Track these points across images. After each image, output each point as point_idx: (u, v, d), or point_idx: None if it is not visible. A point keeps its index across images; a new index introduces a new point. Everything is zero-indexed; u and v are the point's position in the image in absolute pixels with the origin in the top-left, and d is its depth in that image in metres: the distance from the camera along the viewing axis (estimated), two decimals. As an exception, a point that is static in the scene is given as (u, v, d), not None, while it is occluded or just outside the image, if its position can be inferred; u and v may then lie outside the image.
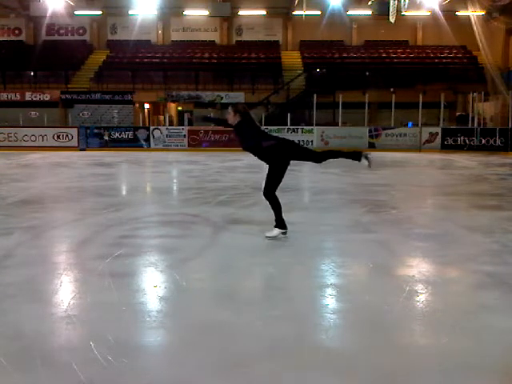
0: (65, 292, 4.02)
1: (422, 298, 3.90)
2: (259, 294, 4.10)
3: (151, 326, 3.30)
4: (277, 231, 5.56)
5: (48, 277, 4.35)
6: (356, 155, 5.50)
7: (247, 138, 5.56)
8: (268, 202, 5.58)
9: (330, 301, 3.85)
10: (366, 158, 5.46)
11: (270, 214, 5.58)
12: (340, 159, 5.62)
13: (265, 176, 5.50)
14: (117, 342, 3.01)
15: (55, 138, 23.99)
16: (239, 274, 4.50)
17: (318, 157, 5.70)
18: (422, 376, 2.69)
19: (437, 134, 23.36)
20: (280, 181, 5.55)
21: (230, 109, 5.64)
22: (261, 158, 5.60)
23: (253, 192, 9.16)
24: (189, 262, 4.88)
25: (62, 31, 31.92)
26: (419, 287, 4.10)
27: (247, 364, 2.79)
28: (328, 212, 7.49)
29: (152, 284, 4.20)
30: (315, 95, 23.14)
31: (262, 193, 5.55)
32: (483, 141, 22.82)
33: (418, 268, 4.59)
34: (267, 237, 5.55)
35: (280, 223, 5.57)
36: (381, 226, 6.51)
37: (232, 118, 5.57)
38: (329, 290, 4.06)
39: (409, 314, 3.58)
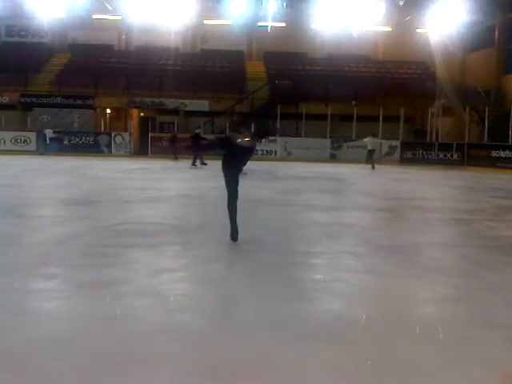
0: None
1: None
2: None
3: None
4: None
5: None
6: None
7: None
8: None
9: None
10: None
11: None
12: None
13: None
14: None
15: (13, 141, 23.43)
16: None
17: None
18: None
19: (396, 147, 23.99)
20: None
21: None
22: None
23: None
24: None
25: (22, 33, 31.15)
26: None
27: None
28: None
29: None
30: (279, 106, 23.41)
31: None
32: (440, 155, 23.58)
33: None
34: None
35: None
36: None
37: None
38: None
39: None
